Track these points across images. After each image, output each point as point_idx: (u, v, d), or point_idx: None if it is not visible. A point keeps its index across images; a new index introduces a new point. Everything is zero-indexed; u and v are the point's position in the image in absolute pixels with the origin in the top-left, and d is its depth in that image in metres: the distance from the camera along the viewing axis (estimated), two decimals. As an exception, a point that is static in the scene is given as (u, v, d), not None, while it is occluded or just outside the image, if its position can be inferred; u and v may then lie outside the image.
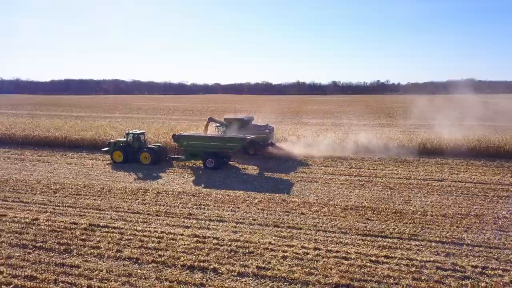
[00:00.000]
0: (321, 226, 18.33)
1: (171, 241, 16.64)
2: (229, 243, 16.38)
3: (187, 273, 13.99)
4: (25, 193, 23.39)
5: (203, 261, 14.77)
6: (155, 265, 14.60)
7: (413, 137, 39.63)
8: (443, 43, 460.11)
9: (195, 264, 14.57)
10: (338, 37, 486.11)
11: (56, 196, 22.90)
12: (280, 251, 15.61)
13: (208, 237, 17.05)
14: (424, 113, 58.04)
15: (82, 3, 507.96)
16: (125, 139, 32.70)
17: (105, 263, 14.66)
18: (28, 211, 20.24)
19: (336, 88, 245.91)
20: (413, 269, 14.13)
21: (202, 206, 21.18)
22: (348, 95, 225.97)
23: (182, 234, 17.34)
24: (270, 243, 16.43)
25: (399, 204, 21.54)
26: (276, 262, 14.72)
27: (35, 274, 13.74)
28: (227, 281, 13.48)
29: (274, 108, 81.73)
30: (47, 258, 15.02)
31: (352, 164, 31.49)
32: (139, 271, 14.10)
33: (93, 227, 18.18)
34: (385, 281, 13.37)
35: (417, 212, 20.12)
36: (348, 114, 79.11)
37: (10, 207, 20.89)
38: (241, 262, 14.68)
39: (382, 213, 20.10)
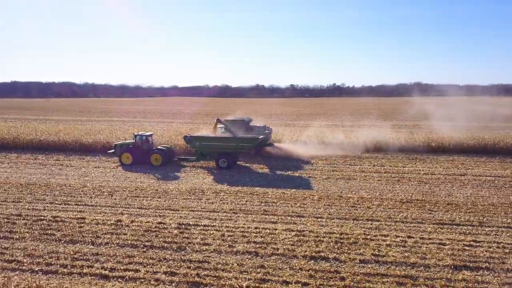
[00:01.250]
0: (396, 218, 19.89)
1: (272, 235, 17.50)
2: (328, 235, 17.54)
3: (313, 263, 15.00)
4: (82, 197, 23.12)
5: (319, 252, 15.84)
6: (277, 257, 15.48)
7: (416, 136, 42.42)
8: (393, 48, 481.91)
9: (314, 254, 15.61)
10: (296, 41, 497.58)
11: (116, 198, 22.90)
12: (379, 240, 17.00)
13: (303, 230, 18.09)
14: (391, 114, 61.62)
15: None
16: (133, 141, 32.74)
17: (229, 258, 15.32)
18: (102, 214, 20.26)
19: (294, 91, 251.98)
20: (507, 250, 16.03)
21: (270, 204, 22.09)
22: (306, 98, 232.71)
23: (275, 229, 18.24)
24: (364, 233, 17.79)
25: (445, 197, 23.59)
26: (384, 249, 16.09)
27: (175, 271, 14.19)
28: (355, 267, 14.65)
29: (248, 111, 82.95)
30: (170, 256, 15.47)
31: (373, 162, 33.44)
32: (267, 263, 14.92)
33: (183, 226, 18.60)
34: (491, 261, 15.12)
35: (467, 203, 22.21)
36: (318, 115, 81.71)
37: (81, 210, 20.74)
38: (354, 251, 15.91)
39: (437, 205, 21.98)
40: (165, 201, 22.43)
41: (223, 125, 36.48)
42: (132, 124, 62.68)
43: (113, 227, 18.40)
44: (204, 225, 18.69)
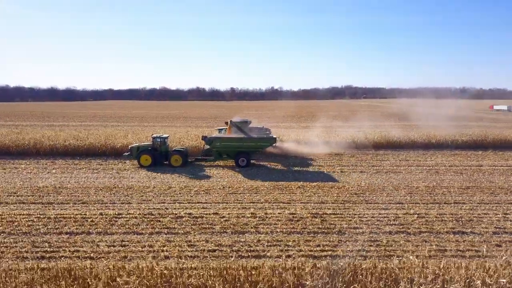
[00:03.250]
0: (475, 200, 21.98)
1: (376, 220, 18.65)
2: (435, 216, 19.14)
3: (454, 237, 16.56)
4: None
5: (444, 229, 17.41)
6: (400, 234, 16.81)
7: (410, 133, 45.94)
8: (327, 54, 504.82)
9: (457, 229, 17.27)
10: (235, 45, 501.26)
11: (190, 195, 22.87)
12: (485, 217, 18.97)
13: (408, 213, 19.54)
14: (342, 115, 65.12)
15: None
16: (149, 143, 32.53)
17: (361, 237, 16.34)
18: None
19: (234, 94, 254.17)
20: None
21: (322, 194, 23.17)
22: (246, 101, 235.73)
23: (380, 214, 19.48)
24: (461, 209, 19.77)
25: (490, 183, 25.96)
26: (492, 224, 18.07)
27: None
28: (494, 236, 16.48)
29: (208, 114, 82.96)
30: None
31: (399, 157, 35.56)
32: (386, 240, 16.23)
33: (318, 215, 19.34)
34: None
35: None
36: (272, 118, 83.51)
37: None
38: (472, 226, 17.73)
39: (495, 190, 24.17)
40: (240, 197, 22.60)
41: (223, 128, 37.69)
42: (121, 128, 60.18)
43: (257, 219, 18.77)
44: (298, 215, 19.41)
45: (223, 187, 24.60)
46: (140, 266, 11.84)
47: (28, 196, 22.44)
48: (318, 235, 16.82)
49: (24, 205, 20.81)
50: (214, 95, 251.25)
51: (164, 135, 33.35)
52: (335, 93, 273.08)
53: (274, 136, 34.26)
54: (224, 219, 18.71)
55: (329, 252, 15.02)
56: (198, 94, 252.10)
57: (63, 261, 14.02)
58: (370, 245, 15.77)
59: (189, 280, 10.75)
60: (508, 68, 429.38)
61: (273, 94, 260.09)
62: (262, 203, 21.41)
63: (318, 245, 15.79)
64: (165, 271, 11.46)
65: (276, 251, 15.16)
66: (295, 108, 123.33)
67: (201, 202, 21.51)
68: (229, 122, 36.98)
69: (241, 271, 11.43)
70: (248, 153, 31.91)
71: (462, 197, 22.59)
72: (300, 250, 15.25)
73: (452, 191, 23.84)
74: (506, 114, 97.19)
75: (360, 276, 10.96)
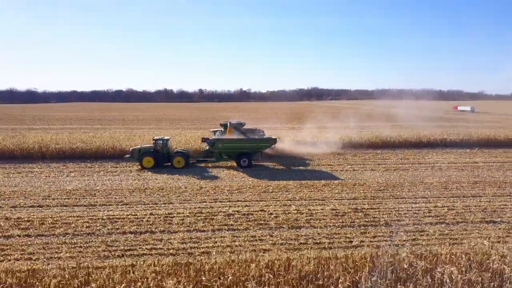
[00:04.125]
0: (488, 193, 24.18)
1: (413, 213, 20.33)
2: (462, 208, 21.06)
3: (488, 225, 18.38)
4: (195, 196, 23.34)
5: (476, 219, 19.29)
6: (441, 225, 18.54)
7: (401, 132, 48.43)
8: (294, 55, 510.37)
9: (488, 219, 19.21)
10: (203, 46, 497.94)
11: (225, 195, 23.73)
12: (506, 208, 21.05)
13: (437, 206, 21.34)
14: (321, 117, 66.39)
15: None
16: (151, 145, 32.97)
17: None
18: (239, 207, 21.22)
19: (202, 96, 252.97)
20: None
21: (367, 192, 24.78)
22: (215, 102, 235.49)
23: (413, 208, 21.18)
24: (480, 201, 21.77)
25: (492, 178, 28.49)
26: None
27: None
28: (519, 227, 18.43)
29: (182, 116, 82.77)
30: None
31: (398, 156, 37.71)
32: (432, 230, 17.91)
33: (359, 209, 20.90)
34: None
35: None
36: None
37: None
38: (499, 216, 19.72)
39: (500, 184, 26.58)
40: (283, 194, 23.77)
41: (217, 130, 39.06)
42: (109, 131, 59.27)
43: (304, 215, 19.99)
44: (338, 209, 20.79)
45: (253, 186, 25.56)
46: (271, 260, 12.61)
47: (64, 199, 22.48)
48: (369, 228, 18.20)
49: (66, 207, 20.91)
50: (183, 97, 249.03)
51: (166, 137, 33.66)
52: (302, 95, 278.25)
53: (274, 137, 35.21)
54: (273, 215, 19.74)
55: (389, 242, 16.38)
56: (166, 96, 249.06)
57: (148, 258, 14.60)
58: (421, 235, 17.31)
59: (307, 266, 11.74)
60: (463, 71, 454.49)
61: (242, 96, 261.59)
62: (298, 200, 22.58)
63: (374, 236, 17.15)
64: (277, 261, 12.35)
65: (343, 242, 16.37)
66: (270, 110, 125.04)
67: (240, 201, 22.38)
68: (228, 124, 37.89)
69: (350, 259, 12.51)
70: (249, 153, 32.78)
71: (475, 191, 24.75)
72: (362, 241, 16.52)
73: (464, 186, 26.02)
74: (470, 114, 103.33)
75: (446, 259, 12.31)
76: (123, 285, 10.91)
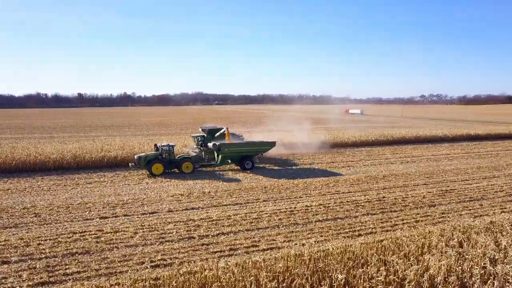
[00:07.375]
0: (500, 175, 31.43)
1: (453, 194, 25.59)
2: (490, 187, 27.61)
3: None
4: (226, 198, 25.09)
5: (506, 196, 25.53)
6: (484, 201, 24.24)
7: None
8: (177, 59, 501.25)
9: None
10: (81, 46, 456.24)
11: (267, 194, 25.88)
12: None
13: (469, 187, 27.54)
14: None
15: None
16: (156, 152, 33.54)
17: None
18: (291, 204, 23.76)
19: (83, 100, 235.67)
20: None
21: (391, 182, 29.47)
22: (97, 107, 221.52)
23: (450, 189, 27.02)
24: (498, 181, 29.15)
25: (490, 163, 37.24)
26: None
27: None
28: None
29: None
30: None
31: (387, 151, 44.94)
32: (478, 204, 23.44)
33: (383, 197, 25.23)
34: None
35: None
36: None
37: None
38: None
39: (500, 168, 34.33)
40: (311, 191, 26.72)
41: (198, 135, 40.34)
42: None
43: (349, 206, 23.38)
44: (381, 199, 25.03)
45: (281, 185, 28.32)
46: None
47: (127, 208, 22.76)
48: (417, 210, 22.51)
49: (133, 216, 21.26)
50: (59, 101, 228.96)
51: (171, 144, 34.34)
52: (188, 100, 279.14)
53: (274, 140, 38.08)
54: (323, 208, 22.54)
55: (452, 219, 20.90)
56: (39, 101, 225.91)
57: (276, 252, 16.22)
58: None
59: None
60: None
61: (126, 100, 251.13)
62: (332, 194, 25.92)
63: (443, 213, 21.89)
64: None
65: (407, 226, 19.88)
66: (177, 115, 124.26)
67: (284, 199, 24.72)
68: (226, 129, 39.08)
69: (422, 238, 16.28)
70: (251, 156, 35.50)
71: (488, 174, 32.14)
72: (417, 221, 20.61)
73: (473, 171, 33.11)
74: (360, 116, 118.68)
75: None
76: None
